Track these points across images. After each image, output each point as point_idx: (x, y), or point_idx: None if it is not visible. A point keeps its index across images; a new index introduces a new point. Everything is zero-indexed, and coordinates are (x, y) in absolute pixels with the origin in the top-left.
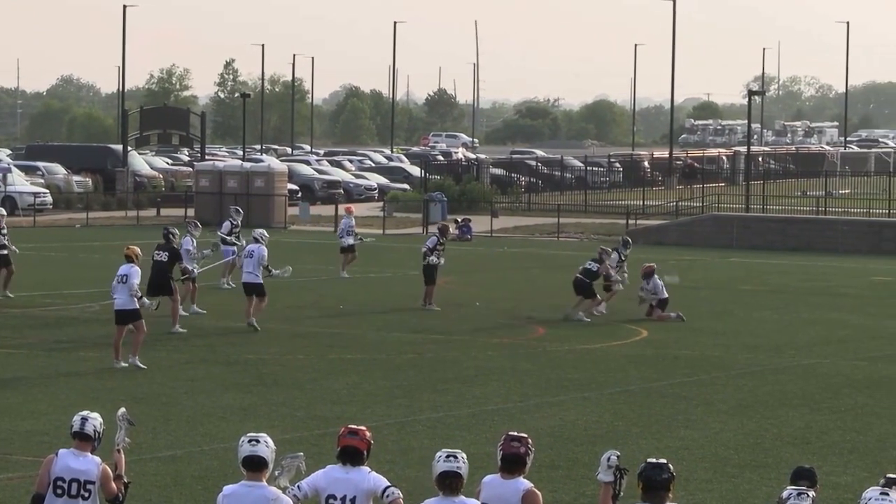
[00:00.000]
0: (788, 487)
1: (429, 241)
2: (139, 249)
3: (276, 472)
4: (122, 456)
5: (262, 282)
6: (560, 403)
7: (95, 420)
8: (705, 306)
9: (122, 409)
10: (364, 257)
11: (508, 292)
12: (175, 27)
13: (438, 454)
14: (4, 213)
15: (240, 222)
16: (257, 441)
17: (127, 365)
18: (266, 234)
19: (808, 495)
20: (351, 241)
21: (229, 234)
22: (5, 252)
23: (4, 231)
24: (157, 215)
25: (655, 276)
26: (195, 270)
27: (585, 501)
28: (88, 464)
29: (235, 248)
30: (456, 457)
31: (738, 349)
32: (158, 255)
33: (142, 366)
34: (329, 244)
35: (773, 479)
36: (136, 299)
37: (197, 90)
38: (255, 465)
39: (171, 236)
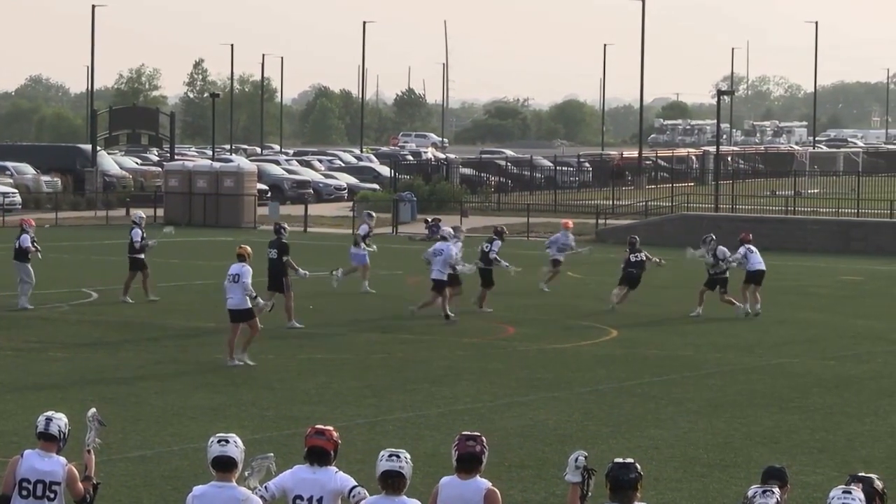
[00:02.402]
0: (754, 486)
1: (494, 245)
2: (250, 248)
3: (247, 473)
4: (92, 457)
5: (445, 279)
6: (529, 403)
7: (60, 420)
8: (675, 306)
9: (93, 410)
10: (333, 258)
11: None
12: (144, 27)
13: (382, 453)
14: None
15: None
16: (227, 441)
17: (241, 363)
18: (452, 231)
19: (772, 492)
20: (561, 256)
21: (366, 237)
22: None
23: None
24: (127, 215)
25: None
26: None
27: (555, 501)
28: (54, 465)
29: (367, 252)
30: (399, 456)
31: (707, 349)
32: (269, 252)
33: (251, 363)
34: (298, 244)
35: (743, 479)
36: (249, 299)
37: (166, 90)
38: (224, 466)
39: (281, 230)
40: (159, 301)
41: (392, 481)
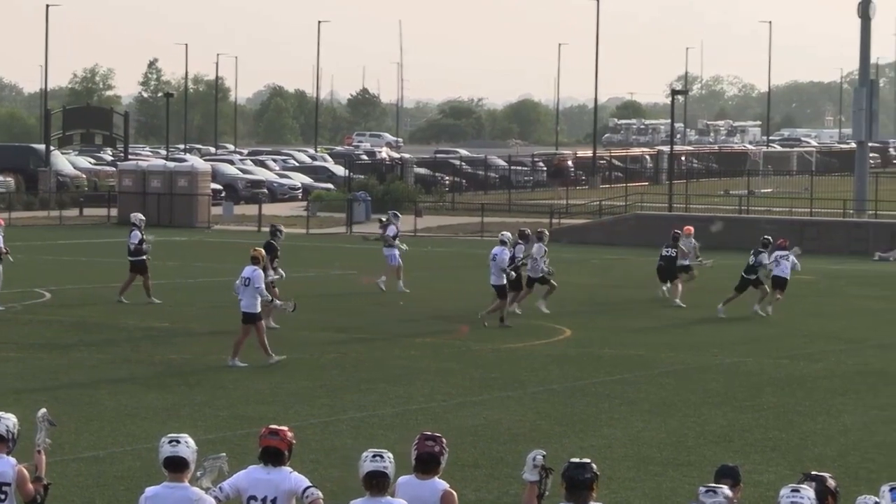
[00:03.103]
0: (702, 485)
1: (535, 251)
2: (264, 251)
3: (199, 473)
4: (43, 457)
5: (504, 283)
6: (484, 402)
7: (9, 420)
8: (628, 305)
9: (43, 410)
10: (287, 257)
11: (432, 292)
12: (98, 27)
13: (365, 454)
14: None
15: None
16: (178, 441)
17: (245, 365)
18: (510, 236)
19: (715, 492)
20: (686, 262)
21: (395, 237)
22: None
23: None
24: (80, 215)
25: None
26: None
27: (509, 500)
28: (4, 465)
29: (397, 251)
30: (382, 457)
31: (661, 348)
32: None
33: (241, 364)
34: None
35: (696, 478)
36: (266, 302)
37: (120, 90)
38: (176, 466)
39: (276, 233)
40: (113, 301)
41: (376, 482)
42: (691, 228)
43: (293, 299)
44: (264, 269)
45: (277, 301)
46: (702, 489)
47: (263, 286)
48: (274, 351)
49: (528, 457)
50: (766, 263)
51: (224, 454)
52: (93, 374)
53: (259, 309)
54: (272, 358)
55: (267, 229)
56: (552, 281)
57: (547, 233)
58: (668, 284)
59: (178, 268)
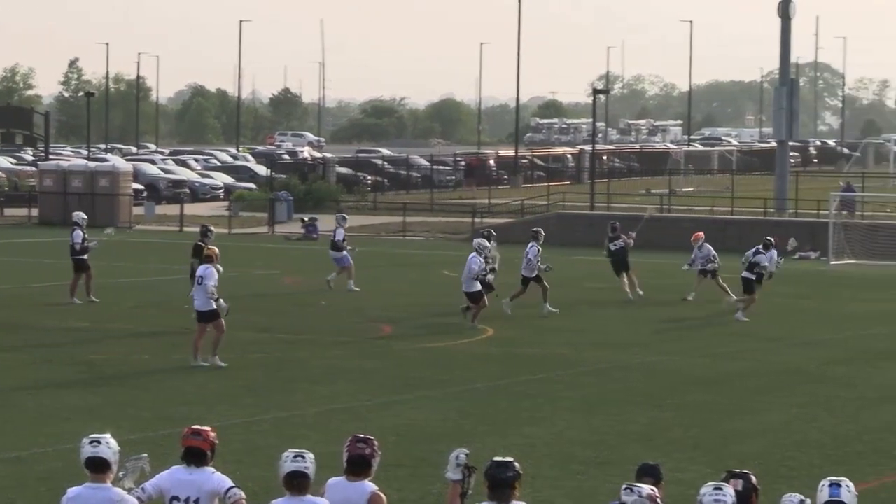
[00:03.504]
0: (624, 484)
1: (529, 252)
2: (218, 250)
3: (121, 474)
4: None
5: (478, 289)
6: (406, 402)
7: None
8: (551, 304)
9: (144, 455)
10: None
11: (355, 291)
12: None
13: (285, 454)
14: None
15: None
16: (99, 442)
17: (207, 364)
18: (542, 232)
19: (633, 489)
20: (699, 266)
21: (343, 239)
22: None
23: None
24: (1, 215)
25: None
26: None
27: (432, 500)
28: None
29: (347, 253)
30: (303, 457)
31: (583, 347)
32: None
33: (222, 364)
34: (174, 243)
35: (618, 476)
36: (212, 300)
37: (41, 89)
38: (97, 467)
39: (206, 233)
40: (34, 301)
41: (297, 482)
42: (701, 234)
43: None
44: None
45: (223, 302)
46: (623, 487)
47: (213, 284)
48: (190, 349)
49: (450, 455)
50: (766, 265)
51: (146, 455)
52: (13, 375)
53: (214, 307)
54: (200, 362)
55: (193, 229)
56: (544, 281)
57: (542, 232)
58: (625, 278)
59: (100, 268)
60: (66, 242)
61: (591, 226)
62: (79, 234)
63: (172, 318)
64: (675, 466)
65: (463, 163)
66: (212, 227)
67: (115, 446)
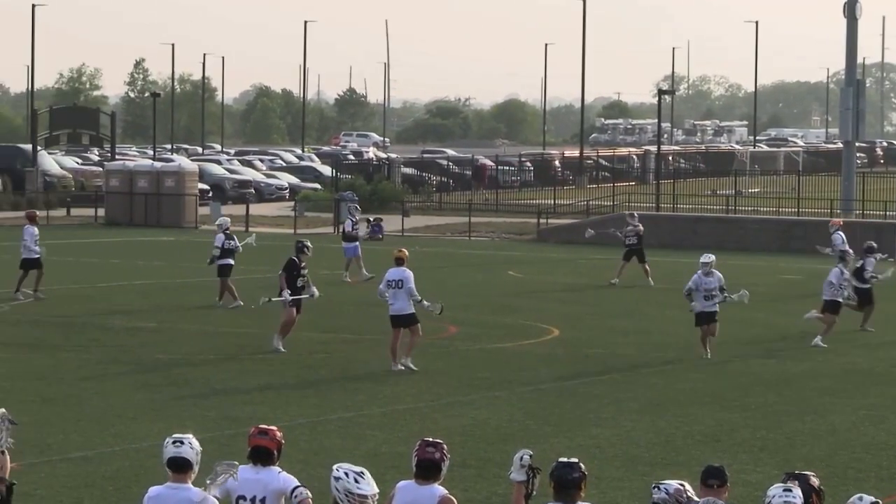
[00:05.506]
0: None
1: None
2: (408, 252)
3: (208, 481)
4: (7, 457)
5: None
6: (471, 402)
7: None
8: (617, 305)
9: (2, 410)
10: (264, 256)
11: (420, 291)
12: (85, 27)
13: (167, 439)
14: None
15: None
16: (182, 442)
17: (403, 367)
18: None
19: (659, 487)
20: (827, 251)
21: (354, 229)
22: None
23: None
24: (68, 215)
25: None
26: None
27: (497, 500)
28: None
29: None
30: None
31: (649, 348)
32: None
33: (414, 368)
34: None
35: (684, 477)
36: (414, 303)
37: (107, 90)
38: (179, 467)
39: (303, 249)
40: (100, 301)
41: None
42: (839, 220)
43: (441, 304)
44: (280, 290)
45: (425, 302)
46: (652, 486)
47: (413, 287)
48: (255, 349)
49: (514, 456)
50: (869, 269)
51: (237, 462)
52: (80, 375)
53: (412, 310)
54: (398, 366)
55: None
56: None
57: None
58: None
59: (163, 268)
60: (132, 243)
61: (657, 227)
62: (220, 238)
63: (238, 318)
64: (742, 468)
65: (528, 163)
66: (308, 244)
67: (197, 447)
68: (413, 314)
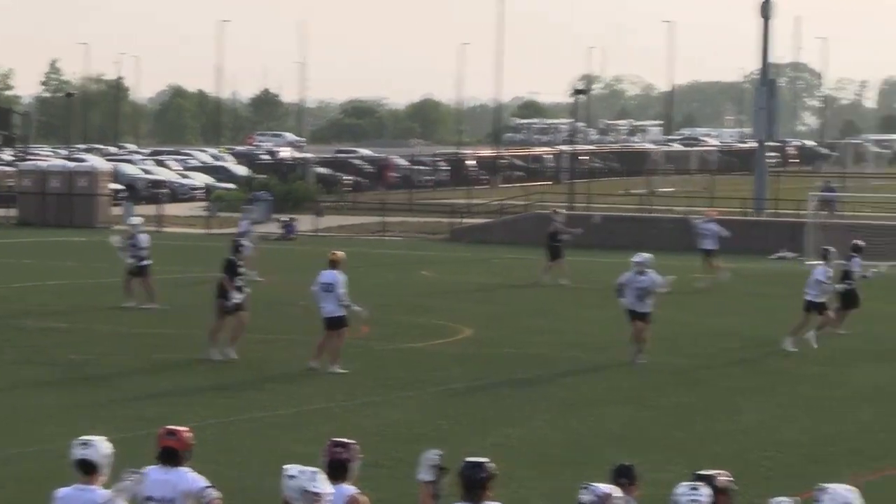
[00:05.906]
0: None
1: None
2: (344, 254)
3: (113, 492)
4: None
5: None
6: (384, 402)
7: None
8: (530, 304)
9: None
10: (188, 257)
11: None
12: None
13: (74, 441)
14: None
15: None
16: (88, 444)
17: (316, 367)
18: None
19: (587, 488)
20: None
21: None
22: None
23: None
24: None
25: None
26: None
27: (409, 501)
28: None
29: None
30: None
31: (562, 347)
32: None
33: (341, 371)
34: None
35: (594, 477)
36: (344, 307)
37: (20, 89)
38: (86, 469)
39: (238, 247)
40: (14, 301)
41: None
42: (713, 211)
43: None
44: (228, 293)
45: (355, 306)
46: (580, 486)
47: (344, 291)
48: (170, 350)
49: (422, 457)
50: (857, 270)
51: (143, 472)
52: None
53: (343, 313)
54: (314, 364)
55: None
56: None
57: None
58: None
59: (78, 268)
60: (44, 243)
61: (571, 226)
62: (145, 238)
63: (151, 318)
64: (652, 467)
65: (442, 162)
66: (244, 242)
67: (105, 449)
68: (342, 317)
